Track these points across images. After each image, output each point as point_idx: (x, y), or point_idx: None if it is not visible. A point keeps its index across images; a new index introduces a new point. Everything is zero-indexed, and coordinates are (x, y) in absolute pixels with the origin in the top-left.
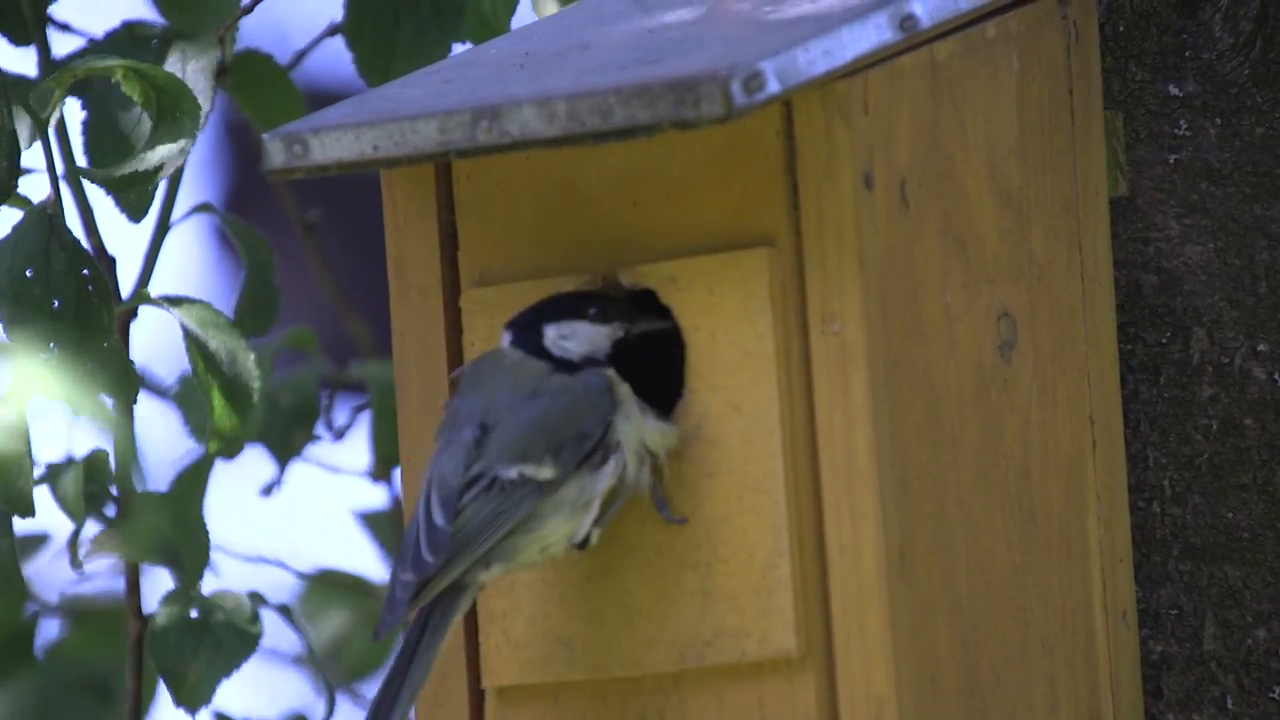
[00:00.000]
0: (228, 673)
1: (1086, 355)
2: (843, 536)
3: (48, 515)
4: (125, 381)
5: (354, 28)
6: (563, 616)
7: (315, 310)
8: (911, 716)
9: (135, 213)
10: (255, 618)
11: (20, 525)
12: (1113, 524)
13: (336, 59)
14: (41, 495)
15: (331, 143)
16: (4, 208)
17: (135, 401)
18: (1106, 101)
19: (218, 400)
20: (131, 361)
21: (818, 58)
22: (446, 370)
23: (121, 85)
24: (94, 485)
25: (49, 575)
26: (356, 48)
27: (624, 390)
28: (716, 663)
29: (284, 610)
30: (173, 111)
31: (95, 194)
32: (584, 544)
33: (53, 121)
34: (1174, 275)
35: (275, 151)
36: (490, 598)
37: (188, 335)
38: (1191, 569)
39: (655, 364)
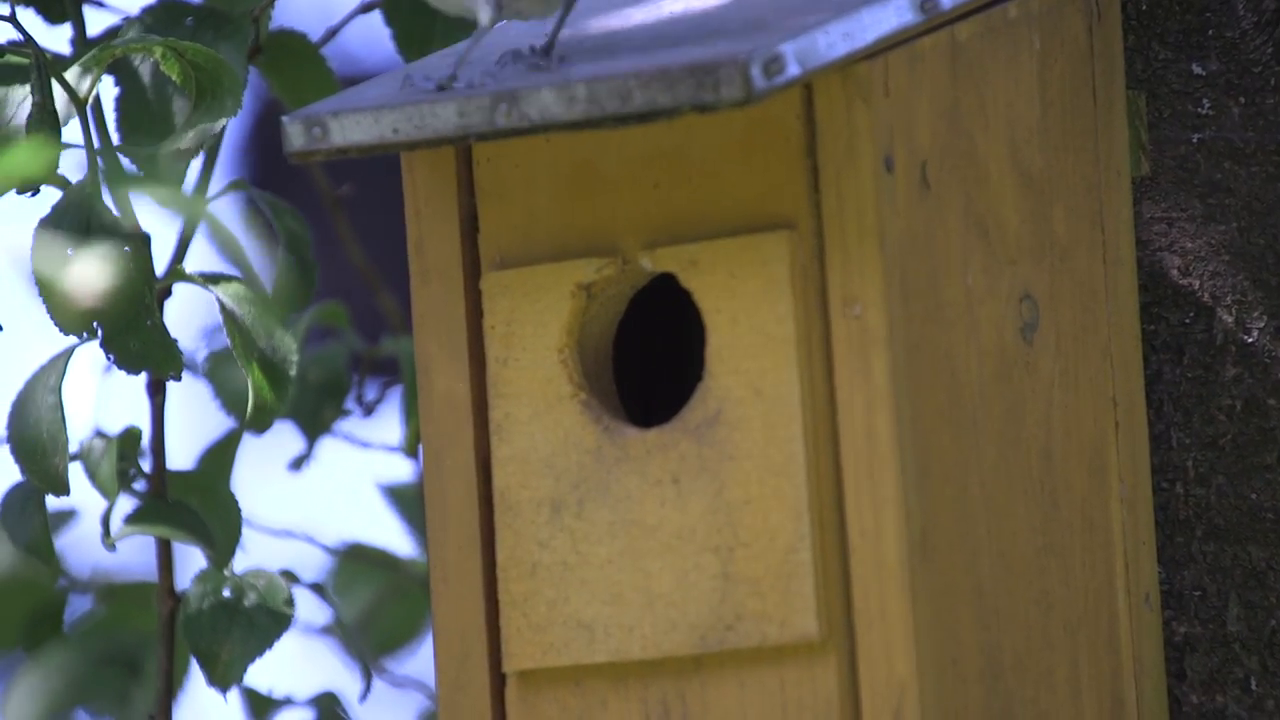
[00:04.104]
0: (260, 653)
1: (1109, 336)
2: (864, 521)
3: (77, 491)
4: (169, 359)
5: (392, 4)
6: (584, 600)
7: (346, 286)
8: (933, 701)
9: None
10: (290, 599)
11: (50, 501)
12: (1136, 505)
13: (374, 37)
14: (73, 471)
15: (351, 126)
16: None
17: (180, 379)
18: (1129, 81)
19: (257, 376)
20: (175, 339)
21: (838, 40)
22: (467, 353)
23: (161, 64)
24: (125, 463)
25: (78, 550)
26: (394, 24)
27: None
28: (737, 647)
29: (318, 589)
30: (213, 89)
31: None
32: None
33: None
34: (1197, 255)
35: (295, 134)
36: (511, 582)
37: (225, 312)
38: (1215, 550)
39: (676, 349)
